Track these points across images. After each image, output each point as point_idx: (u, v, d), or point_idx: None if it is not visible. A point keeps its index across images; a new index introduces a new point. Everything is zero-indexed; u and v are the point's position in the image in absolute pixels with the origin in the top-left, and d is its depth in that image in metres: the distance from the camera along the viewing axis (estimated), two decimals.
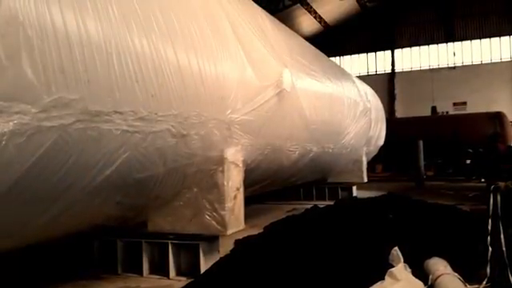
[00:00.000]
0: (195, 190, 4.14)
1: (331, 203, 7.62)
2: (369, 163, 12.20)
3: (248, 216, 4.96)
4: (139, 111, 3.17)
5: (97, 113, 2.80)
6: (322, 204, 7.51)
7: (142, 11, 3.32)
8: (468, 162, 17.73)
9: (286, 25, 8.38)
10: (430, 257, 3.75)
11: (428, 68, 30.57)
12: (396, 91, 30.78)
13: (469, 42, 29.63)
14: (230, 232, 4.23)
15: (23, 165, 2.40)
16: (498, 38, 29.13)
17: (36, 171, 2.48)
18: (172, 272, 4.02)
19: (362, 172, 10.49)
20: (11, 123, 2.29)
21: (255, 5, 6.35)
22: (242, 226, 4.44)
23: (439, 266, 3.53)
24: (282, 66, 5.79)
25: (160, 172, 3.61)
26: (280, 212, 7.14)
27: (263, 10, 6.60)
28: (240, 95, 4.60)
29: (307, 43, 8.91)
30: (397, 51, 31.35)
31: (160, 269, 4.06)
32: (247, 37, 5.14)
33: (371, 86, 14.27)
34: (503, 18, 28.50)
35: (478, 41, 29.52)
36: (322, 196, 9.34)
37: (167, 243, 4.02)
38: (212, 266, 3.84)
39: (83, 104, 2.69)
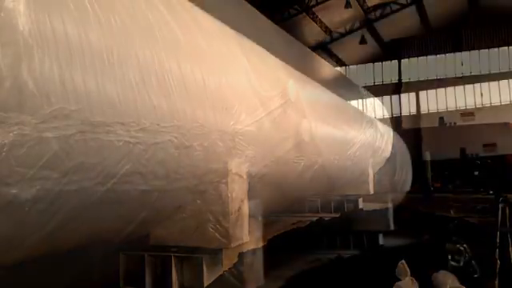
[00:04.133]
0: (198, 201, 4.08)
1: (336, 215, 7.55)
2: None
3: (252, 228, 4.89)
4: (141, 122, 3.13)
5: (98, 123, 2.77)
6: (327, 216, 7.44)
7: (144, 21, 3.33)
8: (476, 173, 17.56)
9: (292, 33, 8.43)
10: (437, 270, 3.67)
11: (435, 78, 30.35)
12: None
13: (477, 51, 29.35)
14: (234, 245, 4.16)
15: (23, 177, 2.37)
16: (506, 48, 28.92)
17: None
18: (175, 285, 3.95)
19: (368, 184, 10.39)
20: (11, 134, 2.26)
21: (260, 14, 6.38)
22: (246, 238, 4.37)
23: (447, 280, 3.45)
24: (287, 76, 5.78)
25: (162, 184, 3.56)
26: (284, 224, 7.05)
27: (269, 21, 6.62)
28: (244, 106, 4.57)
29: (312, 53, 8.95)
30: (403, 61, 31.20)
31: (163, 282, 3.99)
32: (252, 47, 5.15)
33: (377, 96, 14.24)
34: None
35: (486, 50, 29.26)
36: (327, 208, 9.23)
37: (170, 256, 3.96)
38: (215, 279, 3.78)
39: (84, 115, 2.66)
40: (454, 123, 26.77)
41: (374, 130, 10.78)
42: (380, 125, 11.85)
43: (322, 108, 7.33)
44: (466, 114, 27.67)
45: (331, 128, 7.67)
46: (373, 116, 10.96)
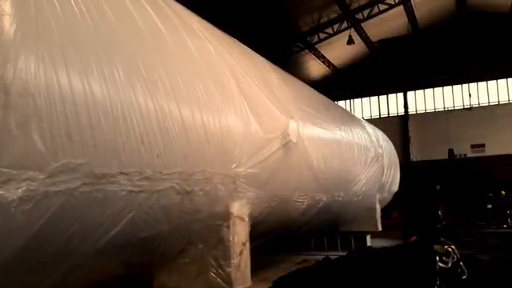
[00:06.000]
0: (200, 246, 4.14)
1: (344, 253, 7.45)
2: (383, 210, 11.97)
3: (256, 269, 4.89)
4: (144, 171, 3.25)
5: (102, 175, 2.89)
6: (334, 255, 7.36)
7: (147, 73, 3.44)
8: (489, 206, 17.24)
9: (295, 70, 8.63)
10: None
11: (443, 109, 30.22)
12: (410, 134, 30.34)
13: (484, 82, 29.26)
14: None
15: (30, 230, 2.48)
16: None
17: (42, 236, 2.54)
18: None
19: (376, 220, 10.27)
20: (20, 190, 2.39)
21: (260, 57, 6.55)
22: (248, 282, 4.38)
23: None
24: (288, 117, 5.90)
25: (165, 230, 3.65)
26: (290, 264, 6.99)
27: (268, 61, 6.78)
28: (245, 149, 4.67)
29: (314, 91, 9.07)
30: (410, 93, 31.18)
31: None
32: (251, 90, 5.24)
33: (384, 129, 14.24)
34: None
35: (495, 81, 29.18)
36: (334, 246, 9.10)
37: None
38: None
39: (89, 167, 2.78)
40: (465, 155, 26.56)
41: (380, 165, 10.77)
42: (387, 158, 11.86)
43: (325, 146, 7.40)
44: (477, 145, 27.45)
45: (336, 166, 7.71)
46: (378, 150, 10.96)
